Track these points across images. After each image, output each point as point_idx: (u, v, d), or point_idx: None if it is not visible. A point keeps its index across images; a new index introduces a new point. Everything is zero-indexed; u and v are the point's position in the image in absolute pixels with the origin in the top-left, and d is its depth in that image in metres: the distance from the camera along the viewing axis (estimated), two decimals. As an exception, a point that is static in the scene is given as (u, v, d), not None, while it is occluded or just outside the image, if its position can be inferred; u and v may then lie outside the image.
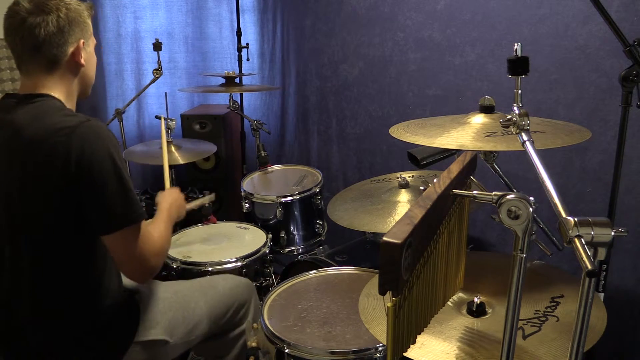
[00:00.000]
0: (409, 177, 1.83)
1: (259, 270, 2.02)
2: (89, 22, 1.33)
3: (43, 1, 1.23)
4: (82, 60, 1.31)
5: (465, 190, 0.93)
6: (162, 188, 1.74)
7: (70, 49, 1.28)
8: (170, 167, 2.10)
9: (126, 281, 1.48)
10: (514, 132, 0.93)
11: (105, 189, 1.19)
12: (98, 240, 1.28)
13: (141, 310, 1.42)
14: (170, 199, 1.58)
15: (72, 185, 1.18)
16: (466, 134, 1.15)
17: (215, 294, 1.61)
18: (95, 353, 1.32)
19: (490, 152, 1.21)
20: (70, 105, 1.33)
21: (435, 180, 0.89)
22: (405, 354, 0.84)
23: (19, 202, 1.22)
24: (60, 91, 1.30)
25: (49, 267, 1.26)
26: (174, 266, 1.87)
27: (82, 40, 1.30)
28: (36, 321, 1.28)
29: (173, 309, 1.49)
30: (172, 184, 2.44)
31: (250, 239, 2.07)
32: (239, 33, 2.85)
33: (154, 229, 1.37)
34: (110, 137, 1.23)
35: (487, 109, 1.25)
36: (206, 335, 1.58)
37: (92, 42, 1.36)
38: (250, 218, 2.27)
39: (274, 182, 2.44)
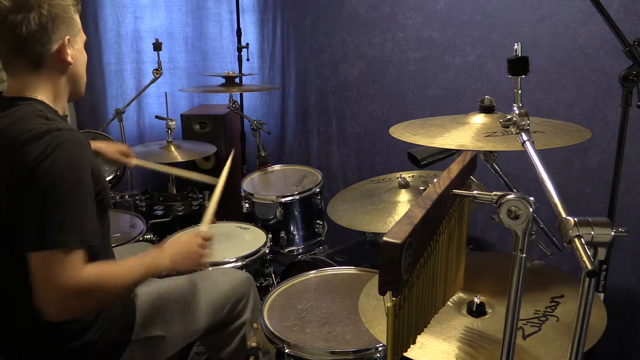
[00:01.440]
0: (409, 177, 1.83)
1: (259, 270, 2.02)
2: (76, 17, 1.27)
3: None
4: (69, 58, 1.26)
5: (465, 190, 0.93)
6: (164, 189, 1.71)
7: (55, 47, 1.23)
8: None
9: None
10: (514, 132, 0.93)
11: (46, 204, 1.10)
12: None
13: (137, 308, 1.42)
14: (177, 248, 1.37)
15: (24, 192, 1.12)
16: (466, 134, 1.15)
17: (213, 288, 1.61)
18: (94, 353, 1.32)
19: (490, 152, 1.21)
20: (60, 105, 1.29)
21: (435, 180, 0.89)
22: (405, 354, 0.84)
23: (8, 209, 1.19)
24: (46, 92, 1.26)
25: None
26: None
27: (67, 37, 1.24)
28: (33, 322, 1.28)
29: (170, 304, 1.49)
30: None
31: (250, 239, 2.07)
32: (239, 33, 2.85)
33: (103, 267, 1.20)
34: (78, 150, 1.16)
35: (487, 109, 1.25)
36: (205, 329, 1.58)
37: (81, 38, 1.31)
38: (250, 218, 2.27)
39: (274, 182, 2.44)
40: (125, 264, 1.26)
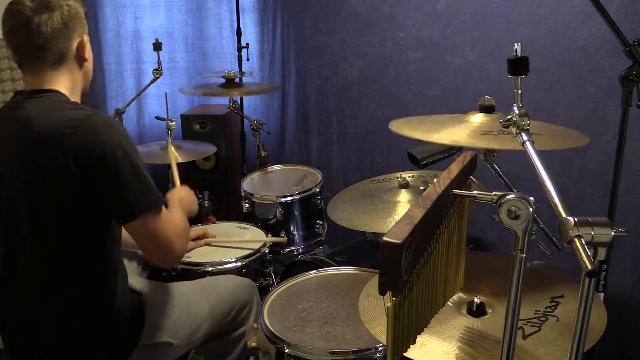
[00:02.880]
0: (409, 177, 1.83)
1: (259, 271, 2.02)
2: (84, 18, 1.35)
3: None
4: (87, 54, 1.34)
5: (465, 190, 0.93)
6: (164, 189, 1.75)
7: (75, 44, 1.31)
8: (178, 164, 2.11)
9: (131, 283, 1.48)
10: (514, 132, 0.93)
11: (121, 178, 1.21)
12: (105, 241, 1.28)
13: (145, 313, 1.42)
14: (179, 194, 1.59)
15: (84, 179, 1.19)
16: (462, 131, 1.15)
17: (218, 295, 1.61)
18: (101, 355, 1.32)
19: (490, 152, 1.21)
20: (76, 99, 1.34)
21: (435, 180, 0.89)
22: (405, 354, 0.84)
23: (26, 200, 1.22)
24: (65, 86, 1.31)
25: (57, 267, 1.26)
26: (174, 266, 1.87)
27: (85, 35, 1.33)
28: (42, 321, 1.28)
29: (177, 310, 1.49)
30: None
31: (250, 239, 2.07)
32: (239, 33, 2.85)
33: (174, 212, 1.39)
34: (118, 127, 1.25)
35: (487, 109, 1.25)
36: (208, 335, 1.58)
37: (88, 37, 1.38)
38: (250, 218, 2.27)
39: (274, 182, 2.44)
40: (175, 208, 1.45)
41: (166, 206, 1.32)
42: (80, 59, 1.34)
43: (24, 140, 1.22)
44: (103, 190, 1.22)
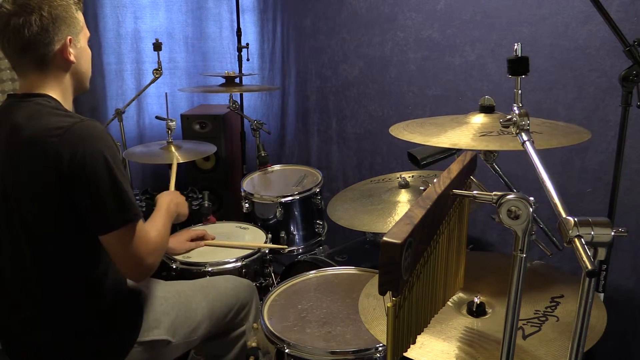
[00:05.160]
0: (409, 177, 1.83)
1: (258, 271, 2.02)
2: (78, 16, 1.30)
3: (25, 1, 1.20)
4: (72, 57, 1.29)
5: (465, 190, 0.93)
6: (164, 189, 1.76)
7: (57, 47, 1.26)
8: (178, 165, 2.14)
9: (130, 281, 1.48)
10: (514, 133, 0.93)
11: (99, 190, 1.19)
12: (98, 240, 1.28)
13: (144, 310, 1.42)
14: (169, 198, 1.58)
15: (66, 186, 1.18)
16: (462, 133, 1.15)
17: (217, 295, 1.61)
18: (98, 353, 1.32)
19: (490, 152, 1.21)
20: (68, 102, 1.33)
21: (435, 180, 0.89)
22: (405, 354, 0.84)
23: (17, 202, 1.23)
24: (54, 89, 1.29)
25: (50, 266, 1.26)
26: (174, 266, 1.87)
27: (69, 37, 1.27)
28: (39, 321, 1.28)
29: (175, 309, 1.49)
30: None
31: (250, 239, 2.07)
32: (239, 33, 2.85)
33: (151, 227, 1.37)
34: (104, 137, 1.22)
35: (487, 109, 1.25)
36: (207, 335, 1.58)
37: (84, 35, 1.34)
38: (250, 218, 2.27)
39: (274, 182, 2.44)
40: (157, 220, 1.45)
41: (145, 218, 1.31)
42: (65, 62, 1.29)
43: (12, 145, 1.22)
44: (81, 200, 1.20)
